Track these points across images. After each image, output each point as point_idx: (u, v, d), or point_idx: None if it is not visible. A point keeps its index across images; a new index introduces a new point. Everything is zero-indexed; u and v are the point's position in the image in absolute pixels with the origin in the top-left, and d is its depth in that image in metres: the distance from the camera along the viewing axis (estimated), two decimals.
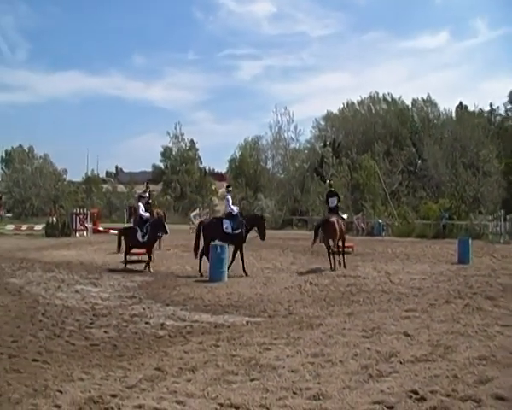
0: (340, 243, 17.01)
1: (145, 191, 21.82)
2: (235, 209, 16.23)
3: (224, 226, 15.59)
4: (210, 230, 15.75)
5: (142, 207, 16.97)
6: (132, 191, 58.59)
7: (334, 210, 17.32)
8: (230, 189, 17.31)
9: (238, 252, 15.51)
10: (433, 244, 25.29)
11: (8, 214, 48.52)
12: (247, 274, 14.98)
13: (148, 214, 17.23)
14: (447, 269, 15.91)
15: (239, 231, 15.60)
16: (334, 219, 16.48)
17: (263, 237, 16.08)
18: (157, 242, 19.57)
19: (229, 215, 15.96)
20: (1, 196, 52.93)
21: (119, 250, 16.94)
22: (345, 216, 18.67)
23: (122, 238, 16.83)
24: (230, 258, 15.38)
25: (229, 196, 16.41)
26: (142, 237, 16.30)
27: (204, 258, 15.16)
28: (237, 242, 15.63)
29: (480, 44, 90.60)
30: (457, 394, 4.92)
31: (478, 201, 40.84)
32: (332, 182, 20.18)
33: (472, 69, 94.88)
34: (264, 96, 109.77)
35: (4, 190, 53.79)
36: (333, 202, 17.44)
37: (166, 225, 17.03)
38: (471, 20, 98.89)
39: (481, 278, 13.77)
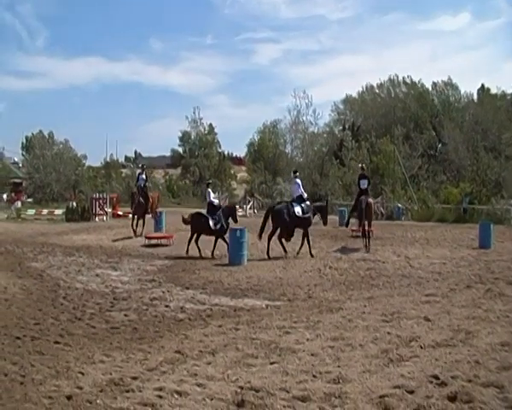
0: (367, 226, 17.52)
1: (141, 173, 22.36)
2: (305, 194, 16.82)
3: (296, 210, 15.87)
4: (281, 214, 15.86)
5: (211, 194, 16.92)
6: (151, 176, 58.72)
7: (365, 192, 17.90)
8: (298, 174, 17.68)
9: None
10: (454, 229, 25.02)
11: (29, 199, 49.00)
12: (312, 256, 15.55)
13: (218, 201, 17.23)
14: (468, 254, 15.75)
15: (308, 215, 16.11)
16: (371, 200, 17.33)
17: (325, 222, 17.12)
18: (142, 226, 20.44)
19: (300, 199, 16.31)
20: (21, 182, 53.50)
21: (192, 238, 16.37)
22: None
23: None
24: (301, 242, 16.12)
25: (299, 181, 16.80)
26: (215, 224, 16.10)
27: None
28: (306, 225, 16.10)
29: (503, 25, 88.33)
30: (479, 379, 4.87)
31: (500, 185, 40.18)
32: (365, 166, 20.63)
33: (494, 51, 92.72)
34: (282, 80, 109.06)
35: (25, 176, 54.32)
36: (363, 183, 17.95)
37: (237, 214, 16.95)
38: (493, 0, 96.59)
39: (503, 263, 13.62)
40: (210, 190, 17.14)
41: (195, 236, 16.18)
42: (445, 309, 8.17)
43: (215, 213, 16.24)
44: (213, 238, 16.07)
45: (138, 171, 23.93)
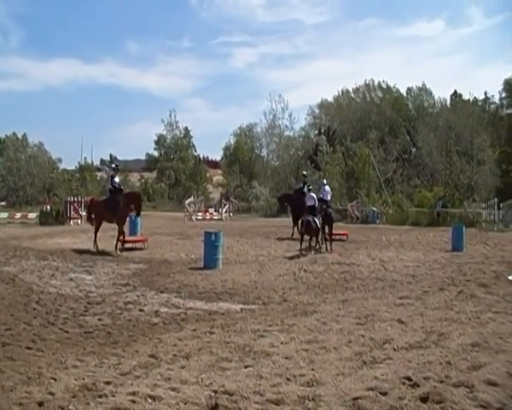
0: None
1: (114, 176, 18.90)
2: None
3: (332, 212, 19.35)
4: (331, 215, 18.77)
5: (315, 197, 18.53)
6: (126, 179, 58.31)
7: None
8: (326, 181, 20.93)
9: None
10: (427, 232, 25.35)
11: (2, 203, 48.24)
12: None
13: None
14: (441, 257, 15.96)
15: None
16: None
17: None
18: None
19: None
20: None
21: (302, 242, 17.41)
22: None
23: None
24: None
25: (328, 187, 19.86)
26: (318, 221, 17.53)
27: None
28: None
29: (475, 32, 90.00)
30: (450, 380, 4.95)
31: (472, 189, 40.87)
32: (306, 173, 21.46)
33: (467, 57, 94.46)
34: (258, 84, 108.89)
35: None
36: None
37: None
38: (466, 8, 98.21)
39: (475, 266, 13.84)
40: (313, 194, 18.68)
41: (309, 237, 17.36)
42: (418, 311, 8.27)
43: (316, 214, 17.87)
44: None
45: (111, 173, 20.49)
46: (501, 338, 6.37)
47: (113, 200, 17.81)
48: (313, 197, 18.35)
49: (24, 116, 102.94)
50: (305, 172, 26.91)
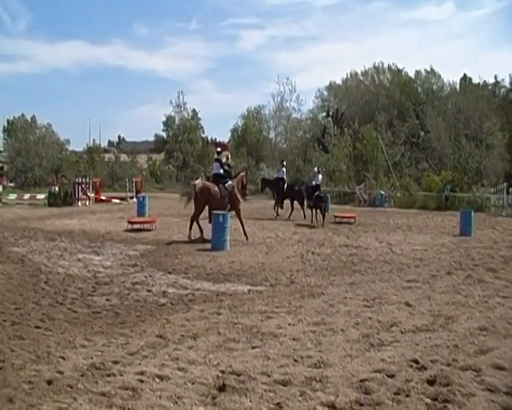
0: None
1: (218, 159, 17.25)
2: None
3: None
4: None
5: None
6: (134, 160, 58.41)
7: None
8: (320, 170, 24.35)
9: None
10: (435, 216, 25.26)
11: (11, 184, 48.39)
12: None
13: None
14: (449, 241, 15.92)
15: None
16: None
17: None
18: None
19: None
20: (3, 166, 52.77)
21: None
22: None
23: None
24: None
25: (320, 176, 22.87)
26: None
27: None
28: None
29: (485, 15, 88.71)
30: (457, 363, 4.95)
31: (480, 173, 40.52)
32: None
33: (477, 41, 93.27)
34: (267, 66, 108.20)
35: (7, 160, 53.58)
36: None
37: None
38: None
39: (483, 250, 13.80)
40: (320, 175, 22.77)
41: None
42: (425, 295, 8.26)
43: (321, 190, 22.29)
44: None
45: (215, 157, 18.05)
46: (509, 323, 6.35)
47: (229, 185, 16.37)
48: (319, 178, 22.50)
49: (32, 98, 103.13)
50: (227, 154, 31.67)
